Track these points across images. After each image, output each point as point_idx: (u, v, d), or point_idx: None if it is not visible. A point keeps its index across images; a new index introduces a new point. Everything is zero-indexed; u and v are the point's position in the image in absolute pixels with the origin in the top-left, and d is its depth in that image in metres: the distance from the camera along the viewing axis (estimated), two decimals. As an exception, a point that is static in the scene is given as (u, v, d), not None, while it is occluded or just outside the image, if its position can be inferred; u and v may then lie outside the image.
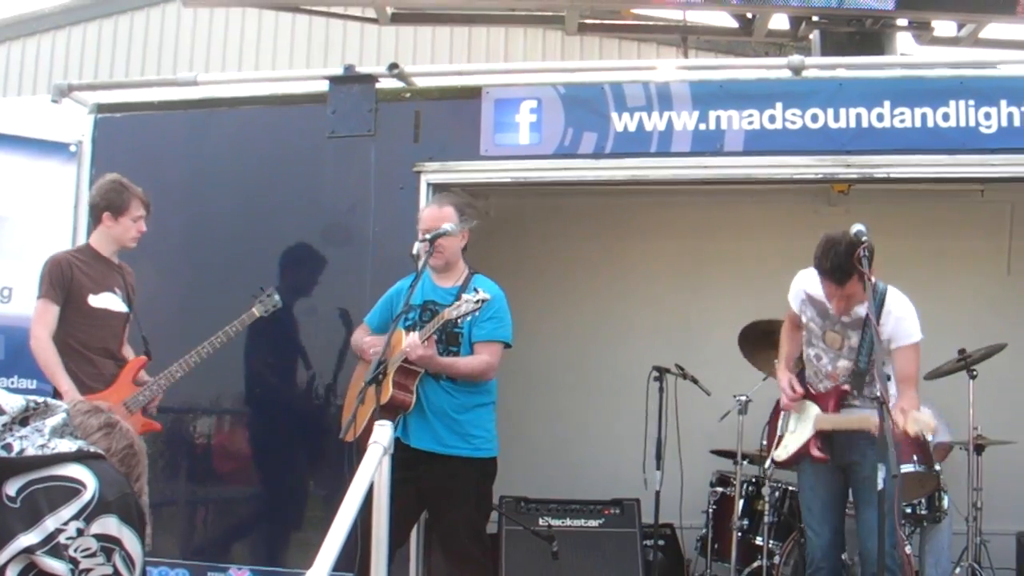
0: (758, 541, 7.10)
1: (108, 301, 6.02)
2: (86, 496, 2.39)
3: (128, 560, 2.44)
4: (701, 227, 8.89)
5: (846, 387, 5.68)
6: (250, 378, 7.14)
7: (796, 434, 5.87)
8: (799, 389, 5.83)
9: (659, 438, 7.43)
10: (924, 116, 6.40)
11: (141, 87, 8.28)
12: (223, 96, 7.49)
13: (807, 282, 5.81)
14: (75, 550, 2.35)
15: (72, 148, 7.52)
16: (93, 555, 2.38)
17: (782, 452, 5.98)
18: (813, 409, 5.79)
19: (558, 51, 11.91)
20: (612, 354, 8.92)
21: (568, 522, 7.21)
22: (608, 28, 10.78)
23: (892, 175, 6.46)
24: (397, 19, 9.48)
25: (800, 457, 5.83)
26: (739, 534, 7.15)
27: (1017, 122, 6.35)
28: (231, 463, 7.10)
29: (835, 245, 5.35)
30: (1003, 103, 6.37)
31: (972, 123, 6.37)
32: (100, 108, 7.47)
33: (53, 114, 7.63)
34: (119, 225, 6.05)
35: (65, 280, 5.85)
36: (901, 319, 5.52)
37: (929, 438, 5.40)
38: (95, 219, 6.12)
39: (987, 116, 6.37)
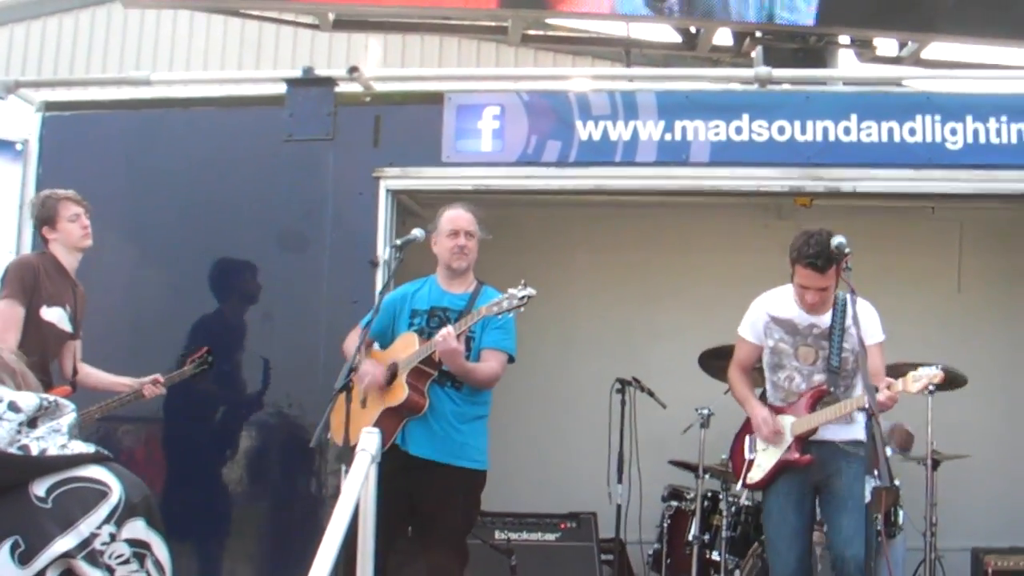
0: (715, 556, 7.03)
1: (57, 317, 5.86)
2: (113, 499, 2.29)
3: (159, 566, 2.36)
4: (648, 240, 8.80)
5: (824, 387, 5.64)
6: (205, 388, 6.95)
7: (769, 451, 5.79)
8: (776, 426, 5.75)
9: (620, 451, 7.35)
10: (891, 130, 6.42)
11: (92, 85, 8.11)
12: (176, 96, 7.33)
13: (768, 305, 5.82)
14: (109, 557, 2.26)
15: (18, 147, 7.34)
16: (127, 562, 2.29)
17: (757, 473, 5.87)
18: (784, 421, 5.74)
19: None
20: (561, 367, 8.82)
21: (525, 536, 7.16)
22: (552, 40, 10.74)
23: (859, 189, 6.47)
24: (339, 26, 9.36)
25: (778, 472, 5.76)
26: (696, 549, 7.07)
27: (983, 138, 6.39)
28: (188, 476, 6.90)
29: (815, 234, 5.43)
30: (969, 119, 6.42)
31: (939, 139, 6.40)
32: (48, 106, 7.25)
33: (-2, 111, 7.45)
34: (60, 232, 5.92)
35: (32, 284, 5.71)
36: (868, 321, 5.56)
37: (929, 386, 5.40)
38: (42, 238, 6.00)
39: (953, 132, 6.41)
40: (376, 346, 5.87)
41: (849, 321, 5.47)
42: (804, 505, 5.73)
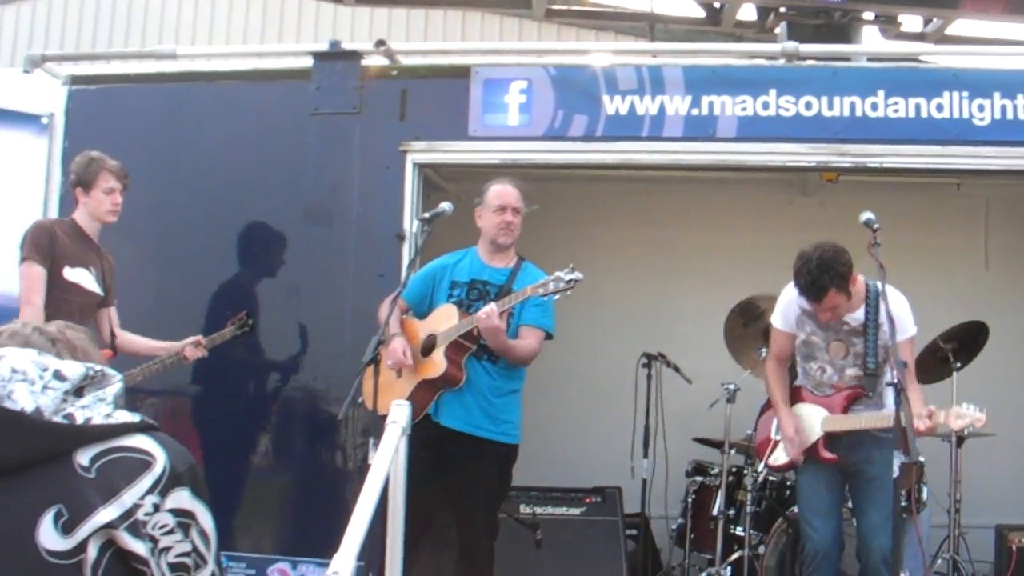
0: (739, 531, 7.03)
1: (82, 277, 5.86)
2: (157, 468, 2.29)
3: (204, 536, 2.34)
4: (672, 217, 8.80)
5: (860, 389, 5.62)
6: (230, 359, 6.95)
7: None
8: (801, 446, 5.72)
9: (647, 426, 7.36)
10: (918, 107, 6.38)
11: (117, 59, 8.10)
12: (203, 70, 7.33)
13: (799, 297, 5.70)
14: (153, 527, 2.25)
15: (44, 120, 7.33)
16: (171, 532, 2.28)
17: (781, 456, 5.90)
18: (815, 412, 5.73)
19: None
20: (587, 342, 8.78)
21: (550, 510, 7.15)
22: (576, 15, 10.72)
23: (886, 165, 6.45)
24: (362, 0, 9.35)
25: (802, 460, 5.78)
26: (721, 524, 7.06)
27: (1010, 115, 6.35)
28: (212, 449, 6.88)
29: (806, 262, 5.33)
30: (997, 95, 6.37)
31: (966, 115, 6.36)
32: (74, 80, 7.26)
33: (25, 85, 7.43)
34: (91, 199, 5.94)
35: (48, 245, 5.71)
36: (900, 315, 5.48)
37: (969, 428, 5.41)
38: (74, 197, 6.02)
39: (980, 108, 6.37)
40: (412, 315, 5.89)
41: (882, 318, 5.42)
42: (835, 481, 5.73)
